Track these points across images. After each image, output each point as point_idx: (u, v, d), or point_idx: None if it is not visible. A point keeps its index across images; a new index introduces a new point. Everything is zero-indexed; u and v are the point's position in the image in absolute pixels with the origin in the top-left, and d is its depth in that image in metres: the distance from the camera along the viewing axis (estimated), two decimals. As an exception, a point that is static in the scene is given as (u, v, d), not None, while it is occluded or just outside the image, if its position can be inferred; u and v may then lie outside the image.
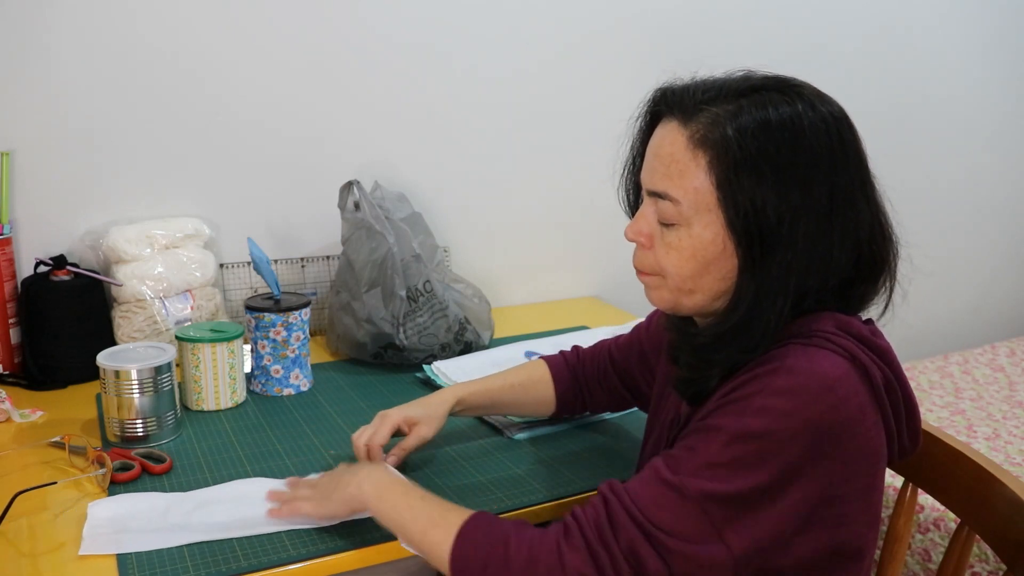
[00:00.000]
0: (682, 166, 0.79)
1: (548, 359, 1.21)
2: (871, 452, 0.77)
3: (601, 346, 1.20)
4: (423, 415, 1.09)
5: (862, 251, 0.81)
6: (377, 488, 0.90)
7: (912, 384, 2.21)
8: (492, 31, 1.81)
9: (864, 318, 0.85)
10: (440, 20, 1.75)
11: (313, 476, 1.05)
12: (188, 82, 1.57)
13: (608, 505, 0.78)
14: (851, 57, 2.27)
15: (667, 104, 0.83)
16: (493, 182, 1.89)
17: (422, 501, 0.87)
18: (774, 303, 0.78)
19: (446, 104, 1.80)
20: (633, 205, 0.93)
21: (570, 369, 1.19)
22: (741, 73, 0.83)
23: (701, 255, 0.80)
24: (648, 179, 0.83)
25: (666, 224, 0.82)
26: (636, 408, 1.21)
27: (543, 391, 1.18)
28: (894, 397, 0.79)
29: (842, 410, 0.74)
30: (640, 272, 0.87)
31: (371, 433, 1.07)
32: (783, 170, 0.76)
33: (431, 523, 0.84)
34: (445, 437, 1.20)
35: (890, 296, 0.85)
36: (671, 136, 0.81)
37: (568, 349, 1.22)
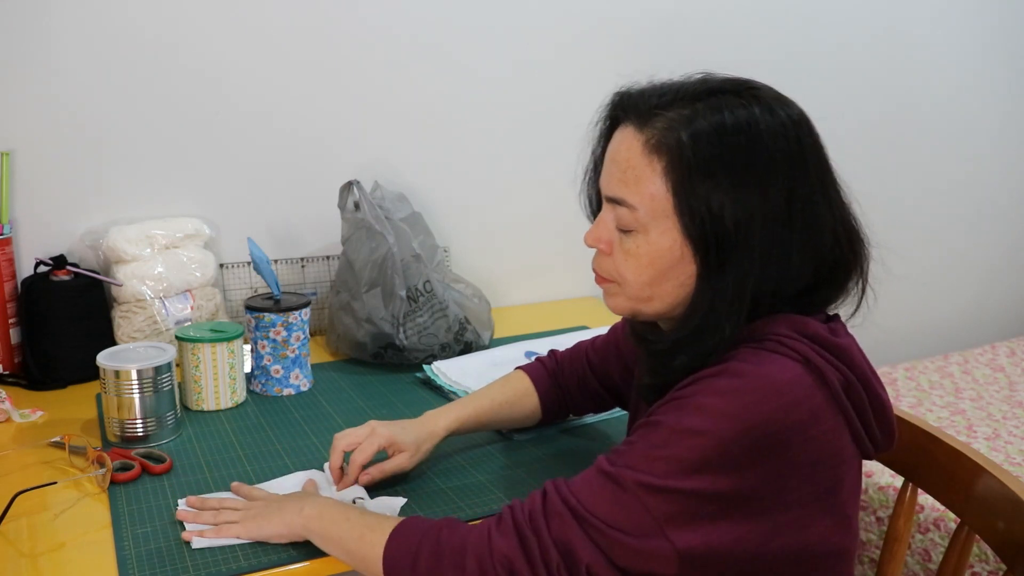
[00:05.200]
0: (638, 172, 0.79)
1: (528, 369, 1.19)
2: (829, 455, 0.76)
3: (578, 348, 1.19)
4: (411, 444, 1.06)
5: (823, 256, 0.80)
6: (318, 508, 0.90)
7: (912, 384, 2.22)
8: (492, 31, 1.81)
9: (832, 313, 0.85)
10: (441, 20, 1.75)
11: (223, 494, 1.03)
12: (188, 82, 1.57)
13: (546, 495, 0.79)
14: (852, 58, 2.27)
15: (623, 109, 0.83)
16: (493, 182, 1.89)
17: (360, 514, 0.88)
18: (729, 309, 0.77)
19: (446, 104, 1.80)
20: (595, 211, 0.92)
21: (551, 376, 1.17)
22: (699, 76, 0.83)
23: (659, 262, 0.80)
24: (606, 185, 0.83)
25: (624, 230, 0.82)
26: (619, 408, 1.20)
27: (528, 404, 1.16)
28: (856, 396, 0.78)
29: (792, 414, 0.73)
30: (599, 278, 0.87)
31: (354, 440, 1.04)
32: (739, 175, 0.76)
33: (368, 528, 0.85)
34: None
35: (861, 298, 0.84)
36: (627, 142, 0.81)
37: (544, 355, 1.21)
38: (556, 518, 0.76)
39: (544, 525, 0.77)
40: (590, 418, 1.27)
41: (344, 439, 1.05)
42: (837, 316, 0.85)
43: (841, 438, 0.77)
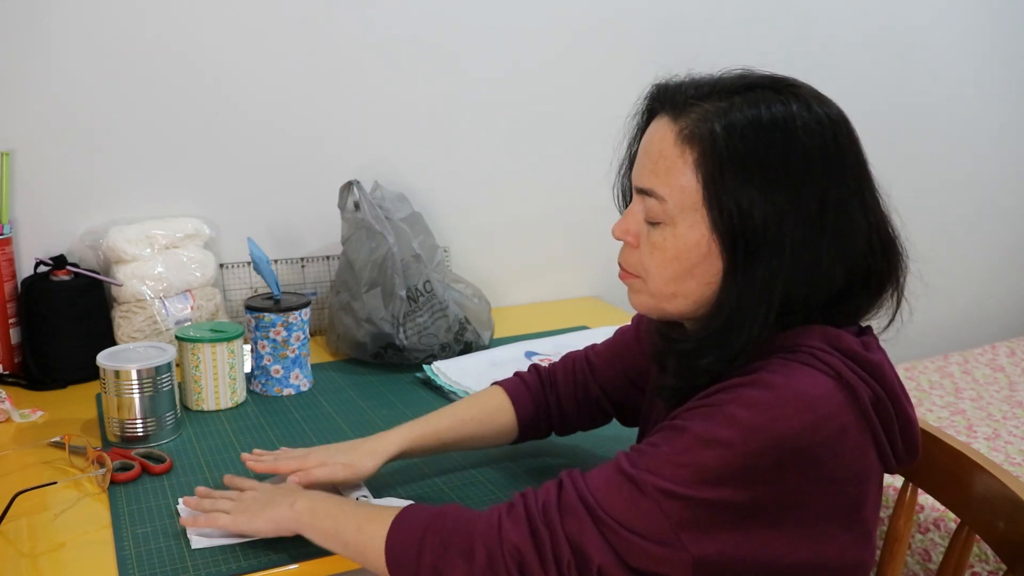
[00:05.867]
0: (669, 163, 0.78)
1: (504, 384, 1.12)
2: (855, 471, 0.75)
3: (573, 358, 1.12)
4: (345, 465, 0.99)
5: (856, 263, 0.78)
6: (311, 503, 0.88)
7: (912, 384, 2.22)
8: (492, 30, 1.81)
9: (864, 324, 0.83)
10: (441, 19, 1.75)
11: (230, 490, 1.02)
12: (188, 81, 1.57)
13: (562, 488, 0.77)
14: (851, 57, 2.27)
15: (660, 100, 0.82)
16: (493, 182, 1.89)
17: (356, 505, 0.86)
18: (756, 311, 0.75)
19: (446, 104, 1.80)
20: (627, 205, 0.91)
21: (530, 391, 1.10)
22: (738, 71, 0.81)
23: (685, 257, 0.78)
24: (637, 176, 0.82)
25: (653, 223, 0.80)
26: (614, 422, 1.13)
27: (501, 420, 1.08)
28: (885, 414, 0.76)
29: (822, 430, 0.71)
30: (623, 272, 0.85)
31: (292, 458, 1.02)
32: (772, 171, 0.74)
33: (366, 519, 0.83)
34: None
35: (896, 310, 0.82)
36: (661, 132, 0.80)
37: (525, 370, 1.14)
38: (571, 514, 0.75)
39: (558, 520, 0.75)
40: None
41: (284, 457, 1.02)
42: (869, 329, 0.83)
43: (867, 455, 0.75)
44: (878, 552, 1.02)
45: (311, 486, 0.97)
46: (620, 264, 0.85)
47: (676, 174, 0.78)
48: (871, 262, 0.79)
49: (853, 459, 0.74)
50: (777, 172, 0.75)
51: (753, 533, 0.73)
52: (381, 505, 0.87)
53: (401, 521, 0.81)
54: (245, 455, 1.06)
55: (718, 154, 0.75)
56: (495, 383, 1.13)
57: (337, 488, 1.02)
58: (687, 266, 0.79)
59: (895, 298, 0.82)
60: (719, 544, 0.72)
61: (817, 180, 0.75)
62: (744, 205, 0.75)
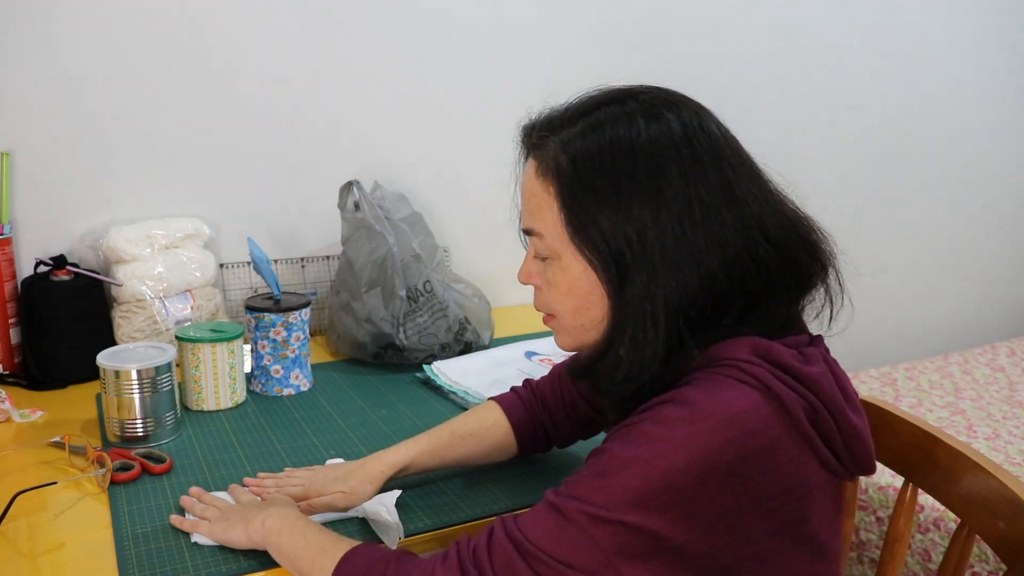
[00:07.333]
0: (538, 199, 0.79)
1: (500, 399, 1.11)
2: (793, 486, 0.71)
3: (558, 371, 1.11)
4: (344, 494, 1.00)
5: (734, 259, 0.75)
6: (279, 522, 0.89)
7: (912, 384, 2.22)
8: (493, 31, 1.81)
9: (814, 334, 0.81)
10: (442, 20, 1.75)
11: (220, 494, 1.03)
12: (188, 82, 1.57)
13: (492, 531, 0.76)
14: (851, 58, 2.27)
15: (524, 141, 0.84)
16: (493, 182, 1.89)
17: (318, 533, 0.87)
18: (645, 328, 0.74)
19: (447, 104, 1.80)
20: None
21: (525, 406, 1.09)
22: (589, 92, 0.82)
23: (577, 288, 0.79)
24: (523, 218, 0.84)
25: (544, 260, 0.82)
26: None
27: (497, 435, 1.07)
28: (823, 424, 0.72)
29: (747, 445, 0.68)
30: (544, 317, 0.87)
31: (295, 483, 1.04)
32: (623, 188, 0.74)
33: (321, 550, 0.84)
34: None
35: (831, 308, 0.81)
36: (528, 171, 0.81)
37: (520, 384, 1.13)
38: (500, 553, 0.73)
39: (487, 560, 0.74)
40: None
41: (287, 483, 1.04)
42: (819, 339, 0.80)
43: (805, 468, 0.72)
44: (878, 552, 1.02)
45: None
46: (535, 308, 0.87)
47: (545, 209, 0.79)
48: (757, 255, 0.76)
49: (787, 474, 0.71)
50: (629, 188, 0.74)
51: (691, 557, 0.70)
52: (340, 537, 0.86)
53: (347, 560, 0.81)
54: (248, 480, 1.07)
55: (568, 184, 0.77)
56: (491, 398, 1.13)
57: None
58: (581, 296, 0.79)
59: (828, 295, 0.80)
60: (656, 570, 0.70)
61: (673, 186, 0.74)
62: (605, 227, 0.75)
